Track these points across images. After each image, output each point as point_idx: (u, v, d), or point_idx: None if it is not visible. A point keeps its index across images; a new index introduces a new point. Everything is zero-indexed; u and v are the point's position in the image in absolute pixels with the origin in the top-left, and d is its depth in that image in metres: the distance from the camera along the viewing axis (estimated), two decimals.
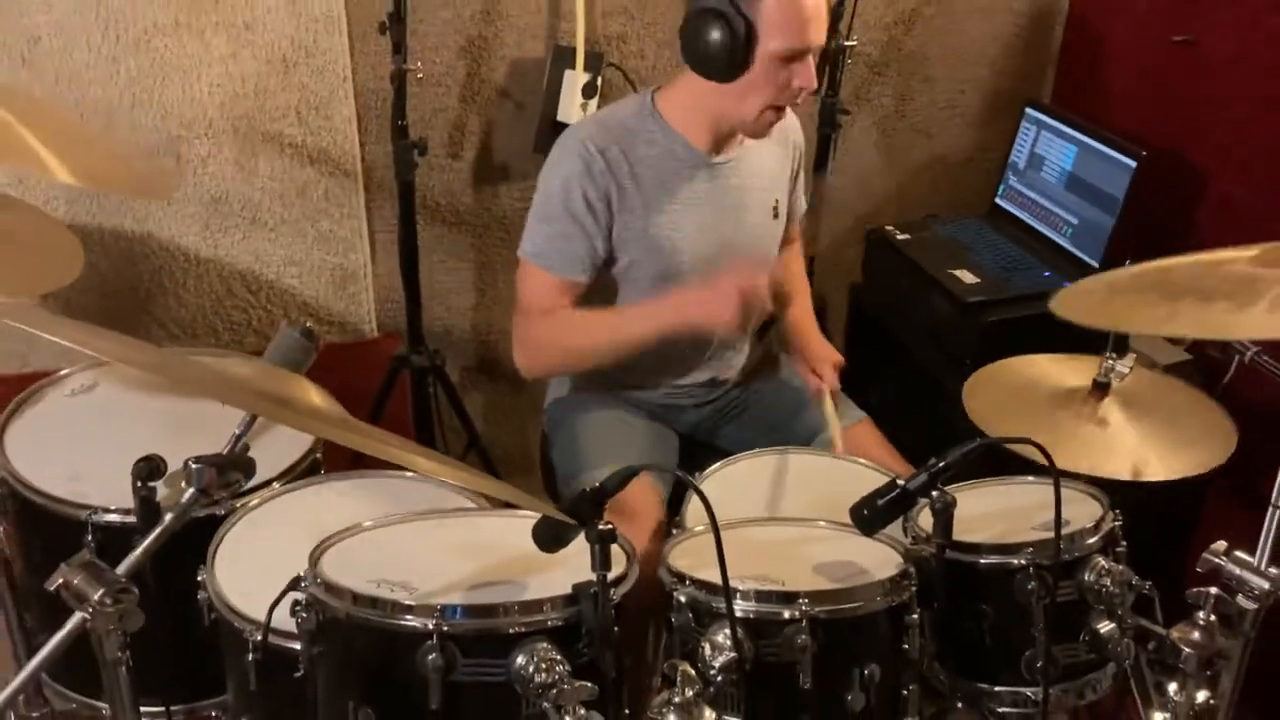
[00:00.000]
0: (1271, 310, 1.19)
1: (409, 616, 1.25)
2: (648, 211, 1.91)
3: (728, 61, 1.78)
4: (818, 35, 1.81)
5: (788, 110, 1.91)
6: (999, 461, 1.62)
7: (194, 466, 1.06)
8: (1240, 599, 1.35)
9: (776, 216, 2.06)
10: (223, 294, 2.51)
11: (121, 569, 1.02)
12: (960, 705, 1.58)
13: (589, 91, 2.46)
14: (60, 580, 1.00)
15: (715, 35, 1.77)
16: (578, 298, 1.93)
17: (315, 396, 1.49)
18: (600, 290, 1.96)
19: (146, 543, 1.03)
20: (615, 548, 1.27)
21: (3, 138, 1.34)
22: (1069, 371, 1.91)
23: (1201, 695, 1.39)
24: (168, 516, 1.03)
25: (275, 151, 2.42)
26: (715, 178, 1.96)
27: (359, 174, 2.51)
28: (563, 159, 1.90)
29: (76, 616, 0.99)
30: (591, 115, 2.09)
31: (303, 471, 1.76)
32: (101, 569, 1.01)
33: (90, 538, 1.62)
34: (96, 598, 0.98)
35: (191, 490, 1.05)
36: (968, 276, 2.59)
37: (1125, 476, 1.70)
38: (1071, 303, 1.51)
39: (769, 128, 1.90)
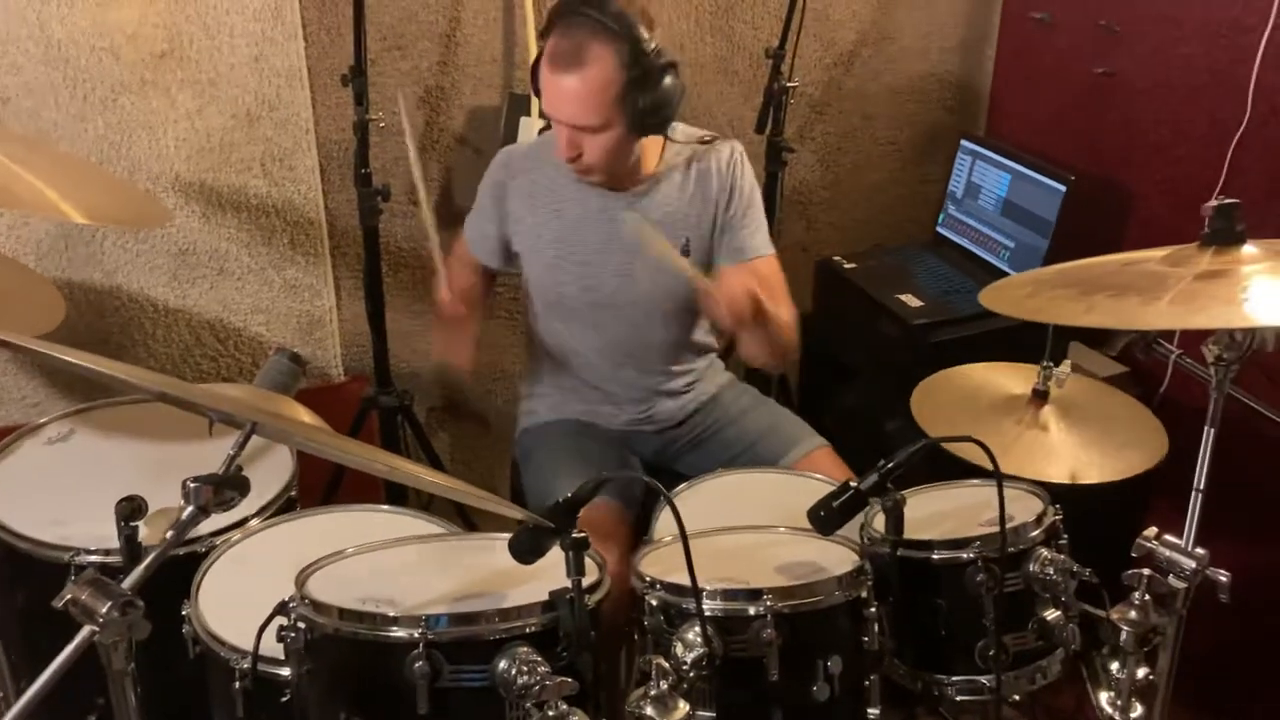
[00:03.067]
0: (1172, 304, 1.30)
1: (395, 628, 1.30)
2: (540, 229, 2.03)
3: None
4: (563, 112, 1.82)
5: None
6: (945, 467, 1.71)
7: (192, 485, 1.11)
8: (1171, 579, 1.44)
9: (687, 254, 2.02)
10: (191, 344, 2.56)
11: (126, 584, 1.07)
12: (921, 703, 1.65)
13: None
14: (69, 596, 1.05)
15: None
16: (480, 277, 2.17)
17: (305, 416, 1.55)
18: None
19: (149, 559, 1.08)
20: (587, 560, 1.32)
21: (7, 182, 1.39)
22: (1011, 380, 2.01)
23: (1141, 672, 1.47)
24: (169, 534, 1.08)
25: (241, 203, 2.48)
26: (610, 208, 2.01)
27: (323, 222, 2.57)
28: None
29: (85, 630, 1.04)
30: None
31: (279, 508, 1.80)
32: (108, 584, 1.06)
33: (74, 579, 1.66)
34: (104, 610, 1.03)
35: (190, 508, 1.11)
36: (913, 301, 2.70)
37: (1064, 480, 1.79)
38: (999, 297, 1.59)
39: (579, 173, 1.94)
